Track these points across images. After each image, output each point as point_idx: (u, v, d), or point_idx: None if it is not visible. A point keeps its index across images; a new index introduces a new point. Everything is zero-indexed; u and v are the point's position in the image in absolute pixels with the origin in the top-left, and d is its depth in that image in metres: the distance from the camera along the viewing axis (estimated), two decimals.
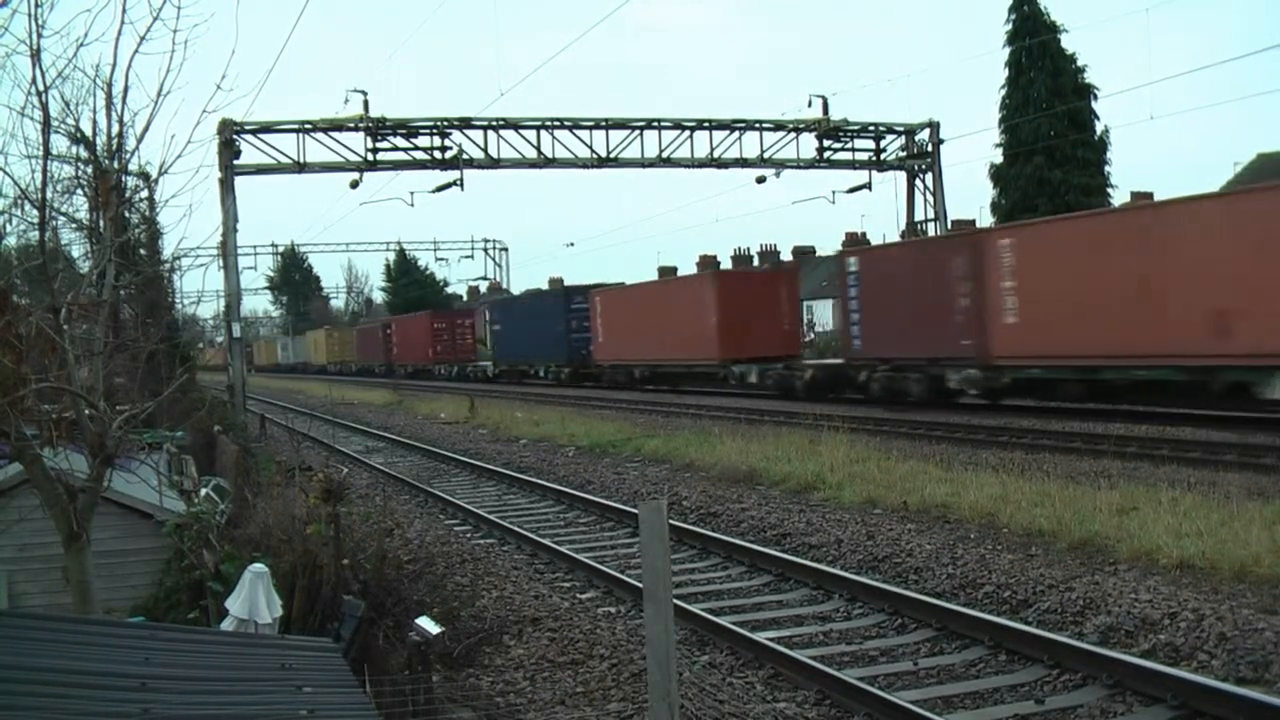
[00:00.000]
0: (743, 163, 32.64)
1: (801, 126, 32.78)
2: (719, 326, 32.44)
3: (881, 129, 33.88)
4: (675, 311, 35.33)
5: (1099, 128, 37.06)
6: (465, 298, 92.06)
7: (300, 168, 29.52)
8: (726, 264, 68.64)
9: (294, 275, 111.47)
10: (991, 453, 16.59)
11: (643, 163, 32.16)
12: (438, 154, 30.46)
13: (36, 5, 6.15)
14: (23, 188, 7.68)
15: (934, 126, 33.84)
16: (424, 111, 39.21)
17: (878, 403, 25.25)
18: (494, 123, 30.73)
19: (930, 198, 33.95)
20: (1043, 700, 7.00)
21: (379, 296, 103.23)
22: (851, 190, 35.05)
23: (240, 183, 28.59)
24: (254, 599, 7.32)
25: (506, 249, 74.99)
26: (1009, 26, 37.34)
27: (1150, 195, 49.20)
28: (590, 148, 31.46)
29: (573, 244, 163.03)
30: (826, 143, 33.32)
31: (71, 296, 7.66)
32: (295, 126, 29.48)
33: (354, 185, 30.64)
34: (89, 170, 9.73)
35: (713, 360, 32.94)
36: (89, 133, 8.00)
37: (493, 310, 58.16)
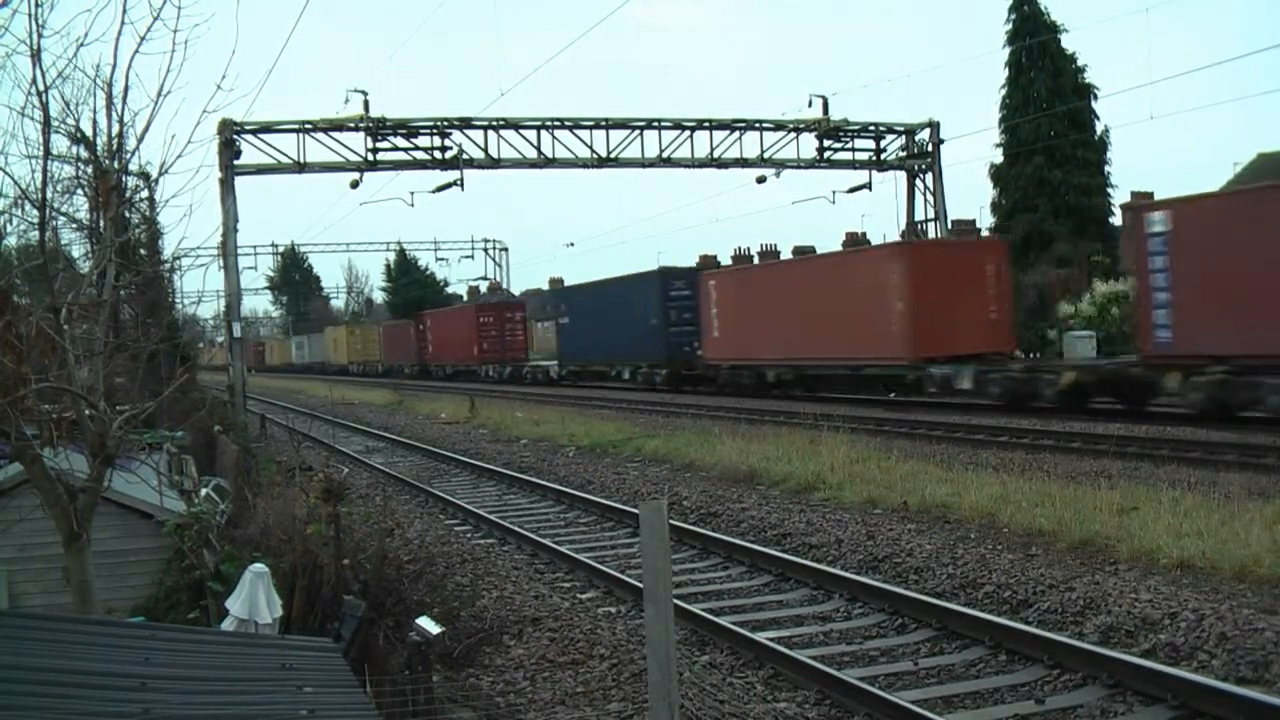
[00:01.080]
0: (743, 163, 32.62)
1: (801, 126, 32.77)
2: (910, 314, 25.07)
3: (881, 129, 33.86)
4: (836, 296, 27.75)
5: (1099, 128, 37.08)
6: (465, 297, 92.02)
7: (300, 168, 29.50)
8: (727, 263, 68.07)
9: (294, 275, 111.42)
10: (992, 453, 16.59)
11: (643, 163, 32.13)
12: (438, 154, 30.44)
13: (36, 5, 6.15)
14: (23, 188, 7.68)
15: (934, 126, 33.83)
16: (424, 111, 38.91)
17: (1193, 420, 18.67)
18: (494, 123, 30.72)
19: (930, 198, 33.93)
20: (1043, 700, 7.00)
21: (379, 296, 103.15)
22: (851, 190, 35.03)
23: (240, 183, 28.56)
24: (254, 599, 7.32)
25: (506, 249, 74.75)
26: (1009, 26, 37.35)
27: (1150, 195, 49.15)
28: (590, 148, 31.45)
29: (573, 244, 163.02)
30: (826, 143, 33.29)
31: (71, 296, 7.67)
32: (295, 126, 29.46)
33: (354, 185, 30.63)
34: (89, 170, 9.73)
35: (900, 360, 25.73)
36: (89, 133, 8.00)
37: (559, 300, 50.20)
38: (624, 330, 38.84)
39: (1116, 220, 37.91)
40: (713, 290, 33.96)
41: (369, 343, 78.58)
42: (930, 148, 33.79)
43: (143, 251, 15.90)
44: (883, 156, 34.18)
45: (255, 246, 73.17)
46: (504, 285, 76.39)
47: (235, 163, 28.28)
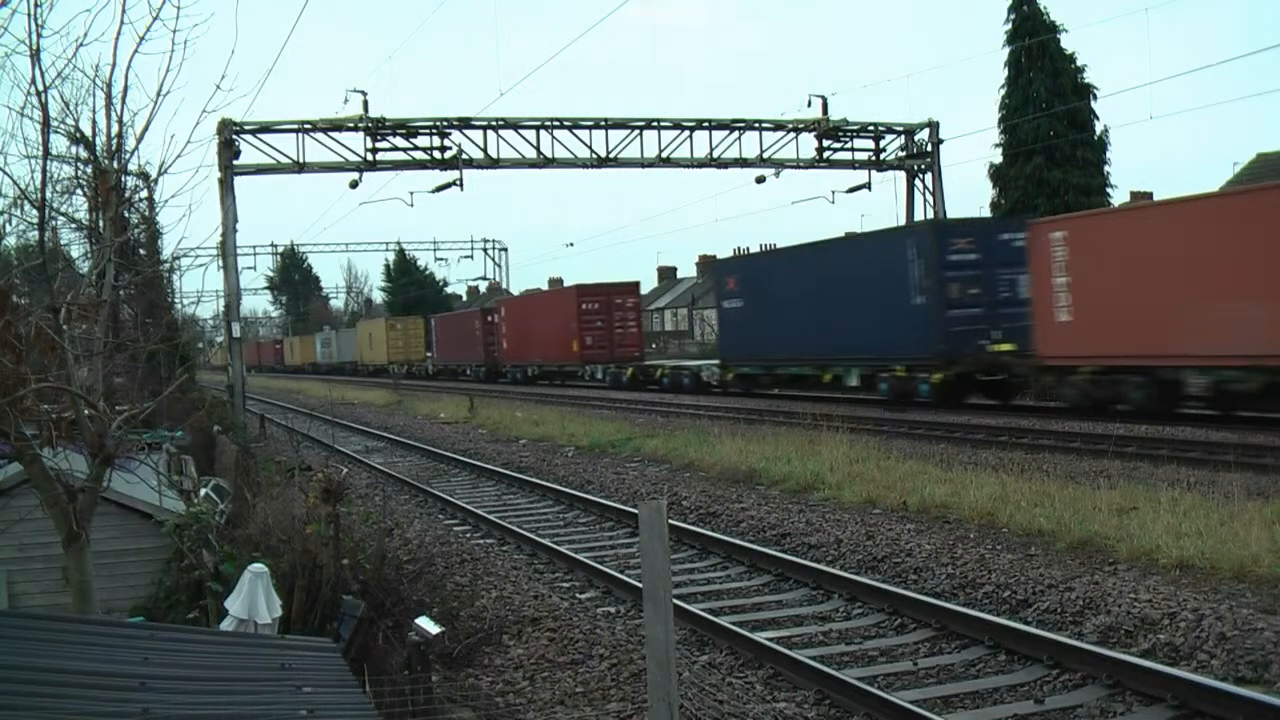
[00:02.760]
0: (742, 163, 32.63)
1: (801, 126, 32.77)
2: None
3: (881, 129, 33.87)
4: None
5: (1099, 128, 36.98)
6: (465, 298, 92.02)
7: (300, 168, 29.51)
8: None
9: (294, 275, 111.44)
10: (991, 453, 16.59)
11: (642, 163, 32.14)
12: (437, 154, 30.44)
13: (36, 5, 6.14)
14: (22, 188, 7.68)
15: (933, 126, 33.84)
16: (424, 111, 38.84)
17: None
18: (494, 123, 30.72)
19: (930, 198, 33.95)
20: (1042, 700, 7.00)
21: (379, 296, 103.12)
22: (851, 190, 35.03)
23: (240, 183, 28.61)
24: (253, 599, 7.32)
25: (506, 249, 74.67)
26: (1009, 26, 37.28)
27: (1150, 195, 49.29)
28: (590, 148, 31.45)
29: (572, 244, 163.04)
30: (826, 143, 33.30)
31: (71, 296, 7.65)
32: (295, 126, 29.46)
33: (354, 185, 30.64)
34: (89, 170, 9.74)
35: None
36: (89, 133, 8.00)
37: (723, 274, 34.99)
38: (852, 314, 26.48)
39: None
40: (1062, 246, 21.17)
41: (413, 339, 68.25)
42: (930, 148, 33.81)
43: (142, 251, 15.91)
44: (882, 156, 34.19)
45: (255, 246, 72.96)
46: (504, 285, 76.39)
47: (235, 163, 28.31)
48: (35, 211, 7.13)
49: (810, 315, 28.55)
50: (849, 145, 33.89)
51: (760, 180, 33.14)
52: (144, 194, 11.57)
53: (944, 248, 24.50)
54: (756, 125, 32.70)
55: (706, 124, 32.23)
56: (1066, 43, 36.56)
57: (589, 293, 44.36)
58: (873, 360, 26.29)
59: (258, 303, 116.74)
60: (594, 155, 31.48)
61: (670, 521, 7.17)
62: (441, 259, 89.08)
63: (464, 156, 30.52)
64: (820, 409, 20.85)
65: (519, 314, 51.87)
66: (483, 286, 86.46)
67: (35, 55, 6.17)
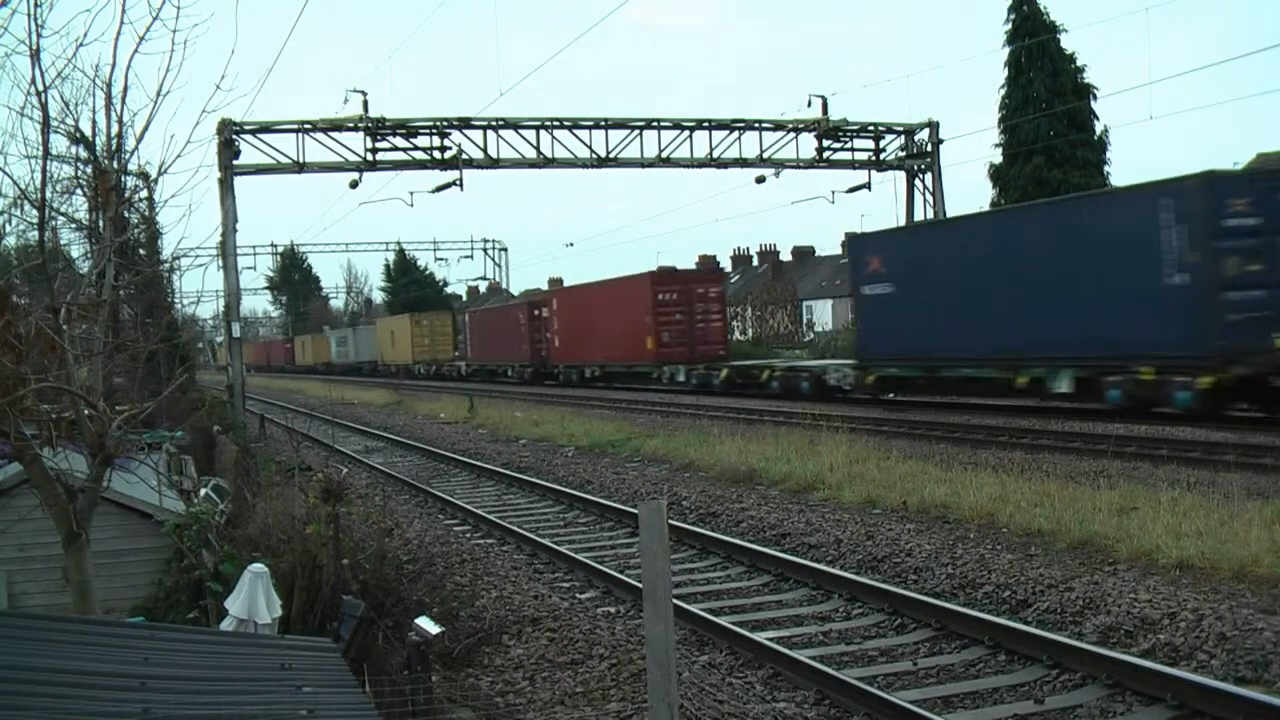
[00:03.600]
0: (742, 163, 32.65)
1: (801, 126, 32.79)
2: None
3: (881, 129, 33.89)
4: None
5: (1099, 128, 37.07)
6: (465, 298, 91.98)
7: (300, 168, 29.52)
8: (726, 265, 67.18)
9: (293, 275, 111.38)
10: (991, 453, 16.59)
11: (642, 163, 32.16)
12: (437, 154, 30.46)
13: (36, 5, 6.14)
14: (22, 188, 7.69)
15: (933, 126, 33.86)
16: (424, 111, 38.59)
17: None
18: (494, 123, 30.73)
19: (930, 198, 33.97)
20: (1042, 700, 7.00)
21: (378, 296, 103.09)
22: (851, 190, 35.07)
23: (240, 183, 28.65)
24: (253, 599, 7.31)
25: (506, 249, 74.66)
26: (1009, 26, 37.35)
27: None
28: (590, 148, 31.47)
29: (572, 244, 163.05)
30: (826, 143, 33.33)
31: (71, 296, 7.66)
32: (295, 126, 29.48)
33: (353, 185, 30.67)
34: (88, 170, 9.73)
35: None
36: (88, 133, 7.99)
37: (866, 252, 26.89)
38: (1066, 299, 20.49)
39: None
40: None
41: (440, 336, 62.68)
42: (929, 148, 33.83)
43: (142, 251, 15.90)
44: (882, 156, 34.21)
45: (254, 246, 72.70)
46: (503, 285, 76.42)
47: (234, 163, 28.34)
48: (35, 211, 7.14)
49: (998, 301, 21.97)
50: (849, 145, 33.92)
51: (760, 180, 33.17)
52: (144, 194, 11.56)
53: (1218, 209, 18.17)
54: (756, 125, 32.71)
55: (706, 124, 32.24)
56: (1066, 43, 36.68)
57: (665, 281, 37.88)
58: (1099, 360, 20.00)
59: (258, 303, 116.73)
60: (594, 155, 31.49)
61: (670, 521, 7.17)
62: (441, 259, 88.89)
63: (464, 156, 30.53)
64: (821, 409, 20.85)
65: (575, 307, 43.91)
66: (483, 286, 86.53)
67: (35, 55, 6.17)
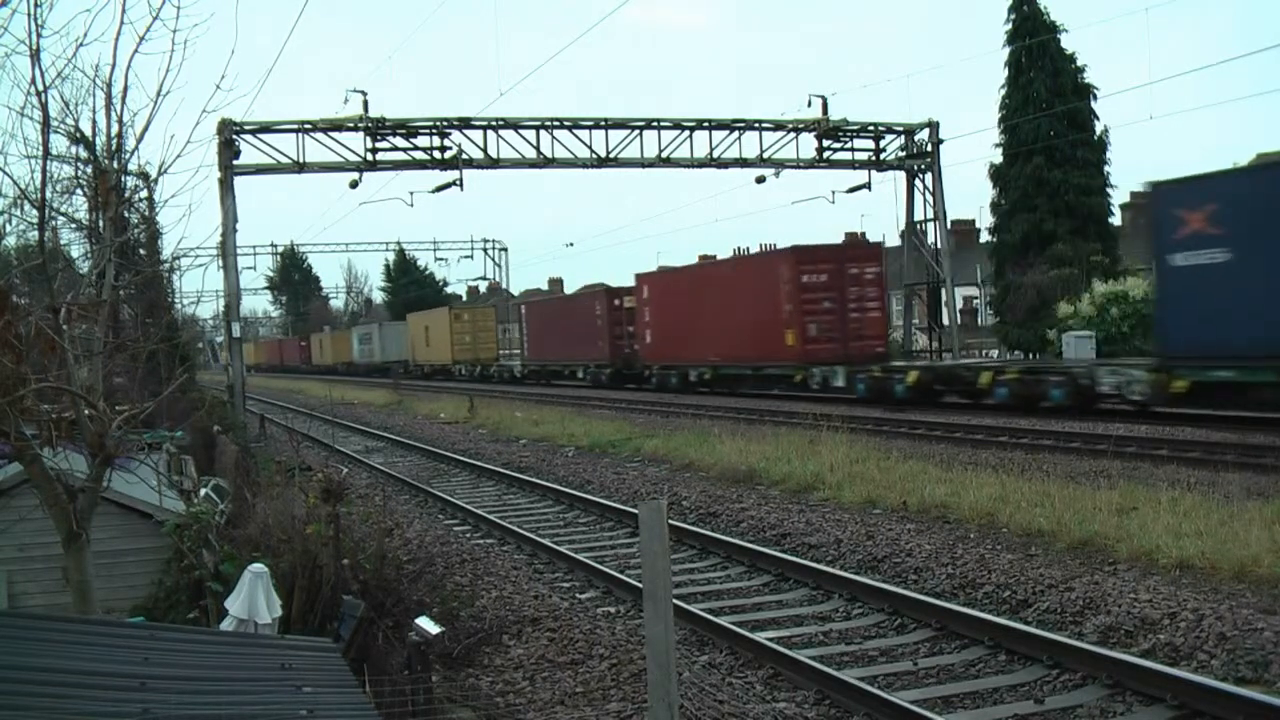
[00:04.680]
0: (742, 163, 32.66)
1: (801, 126, 32.79)
2: None
3: (881, 129, 33.90)
4: None
5: (1099, 128, 37.01)
6: (465, 298, 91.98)
7: (300, 168, 29.53)
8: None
9: (294, 275, 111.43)
10: (991, 453, 16.59)
11: (642, 163, 32.17)
12: (437, 154, 30.46)
13: (36, 5, 6.14)
14: (22, 188, 7.68)
15: (933, 126, 33.87)
16: (424, 111, 38.25)
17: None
18: (494, 123, 30.74)
19: (930, 198, 33.98)
20: (1042, 700, 7.00)
21: (378, 296, 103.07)
22: (851, 190, 35.09)
23: (240, 183, 28.66)
24: (253, 599, 7.31)
25: (506, 249, 74.45)
26: (1009, 26, 37.30)
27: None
28: (590, 148, 31.47)
29: (572, 244, 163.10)
30: (826, 143, 33.34)
31: (71, 296, 7.67)
32: (295, 126, 29.49)
33: (354, 185, 30.68)
34: (89, 170, 9.72)
35: None
36: (89, 133, 7.99)
37: (1189, 204, 18.44)
38: None
39: (1116, 220, 37.90)
40: None
41: (483, 332, 56.19)
42: (929, 148, 33.85)
43: (142, 251, 15.89)
44: (882, 156, 34.23)
45: (255, 246, 72.42)
46: (504, 285, 76.39)
47: (235, 163, 28.35)
48: (35, 211, 7.13)
49: None
50: (849, 145, 33.94)
51: (760, 180, 33.18)
52: (144, 194, 11.55)
53: None
54: (756, 125, 32.72)
55: (706, 124, 32.25)
56: (1066, 43, 36.61)
57: (812, 258, 29.42)
58: None
59: (258, 303, 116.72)
60: (594, 155, 31.50)
61: (670, 521, 7.18)
62: (441, 259, 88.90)
63: (464, 156, 30.54)
64: (821, 409, 20.85)
65: (676, 294, 35.86)
66: (483, 286, 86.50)
67: (35, 55, 6.17)
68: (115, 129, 7.24)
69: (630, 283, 40.13)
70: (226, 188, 27.99)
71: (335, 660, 5.11)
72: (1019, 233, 35.45)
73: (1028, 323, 33.82)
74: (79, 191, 12.19)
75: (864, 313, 29.53)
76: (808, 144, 33.33)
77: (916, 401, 25.03)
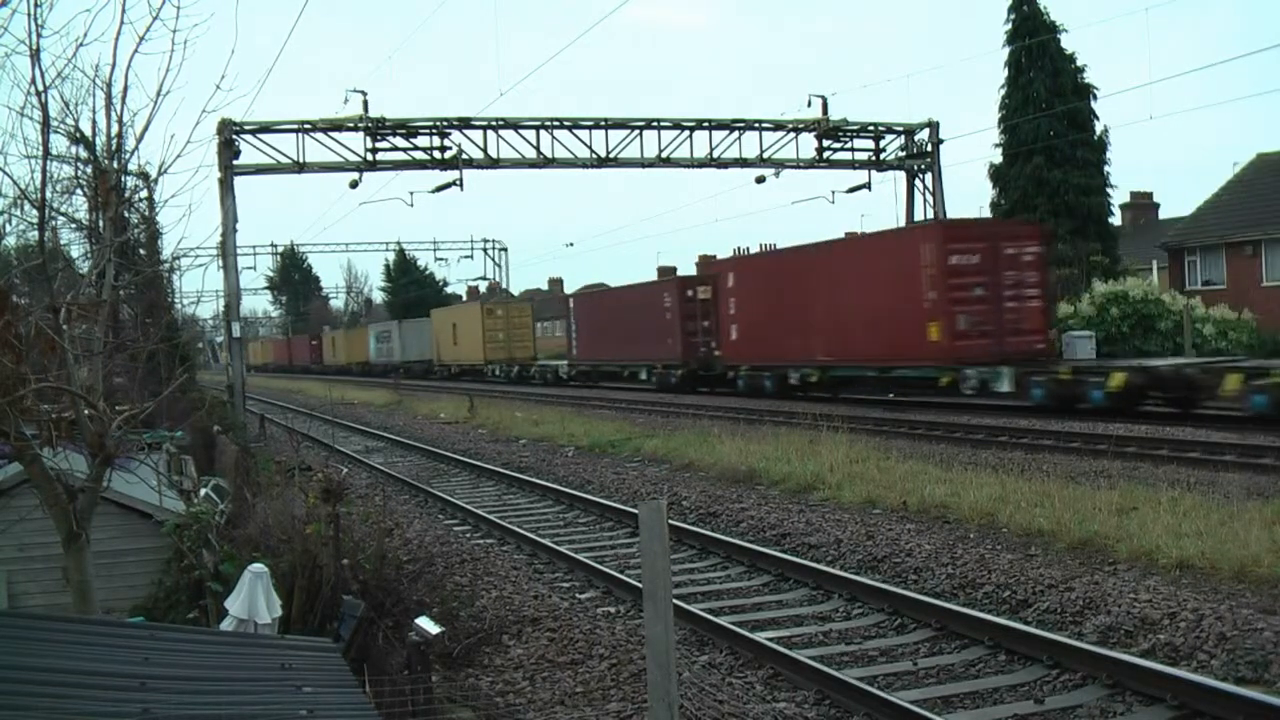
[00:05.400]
0: (742, 163, 32.64)
1: (801, 126, 32.78)
2: None
3: (881, 129, 33.88)
4: None
5: (1099, 128, 37.02)
6: (465, 298, 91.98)
7: (300, 168, 29.52)
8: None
9: (294, 275, 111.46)
10: (991, 453, 16.59)
11: (642, 163, 32.15)
12: (437, 154, 30.45)
13: (36, 5, 6.15)
14: (22, 188, 7.69)
15: (933, 126, 33.85)
16: (423, 111, 38.09)
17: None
18: (494, 123, 30.73)
19: (930, 198, 33.96)
20: (1042, 700, 7.00)
21: (378, 296, 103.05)
22: (851, 190, 35.04)
23: (240, 183, 28.63)
24: (253, 599, 7.32)
25: (506, 249, 74.31)
26: (1009, 26, 37.30)
27: (1149, 195, 49.32)
28: (590, 148, 31.46)
29: (572, 244, 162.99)
30: (826, 143, 33.32)
31: (71, 296, 7.65)
32: (295, 126, 29.47)
33: (354, 185, 30.66)
34: (89, 170, 9.73)
35: None
36: (88, 133, 8.00)
37: None
38: None
39: (1116, 220, 37.91)
40: None
41: (519, 330, 51.96)
42: (929, 148, 33.83)
43: (142, 251, 15.90)
44: (882, 156, 34.21)
45: (255, 246, 72.15)
46: (504, 285, 76.36)
47: (234, 163, 28.33)
48: (35, 211, 7.14)
49: None
50: (849, 145, 33.91)
51: (760, 180, 33.16)
52: (144, 194, 11.57)
53: None
54: (756, 125, 32.71)
55: (706, 124, 32.24)
56: (1066, 43, 36.60)
57: (963, 234, 24.78)
58: None
59: (258, 303, 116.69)
60: (594, 155, 31.49)
61: (670, 521, 7.18)
62: (441, 259, 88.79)
63: (464, 156, 30.53)
64: (820, 409, 20.85)
65: (771, 281, 30.61)
66: (483, 286, 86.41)
67: (35, 55, 6.18)
68: (115, 129, 7.26)
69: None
70: (226, 188, 27.98)
71: (335, 660, 5.11)
72: None
73: None
74: (79, 191, 12.21)
75: (1022, 302, 24.22)
76: (808, 144, 33.33)
77: (1116, 411, 20.36)
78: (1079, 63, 36.71)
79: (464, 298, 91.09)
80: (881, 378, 26.61)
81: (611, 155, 31.62)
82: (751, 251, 38.12)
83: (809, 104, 32.59)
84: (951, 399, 24.47)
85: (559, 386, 44.85)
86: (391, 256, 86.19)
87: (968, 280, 23.87)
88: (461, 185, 30.76)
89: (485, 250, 73.55)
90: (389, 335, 68.55)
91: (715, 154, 32.32)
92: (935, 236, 24.87)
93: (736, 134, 32.39)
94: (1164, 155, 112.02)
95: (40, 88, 6.32)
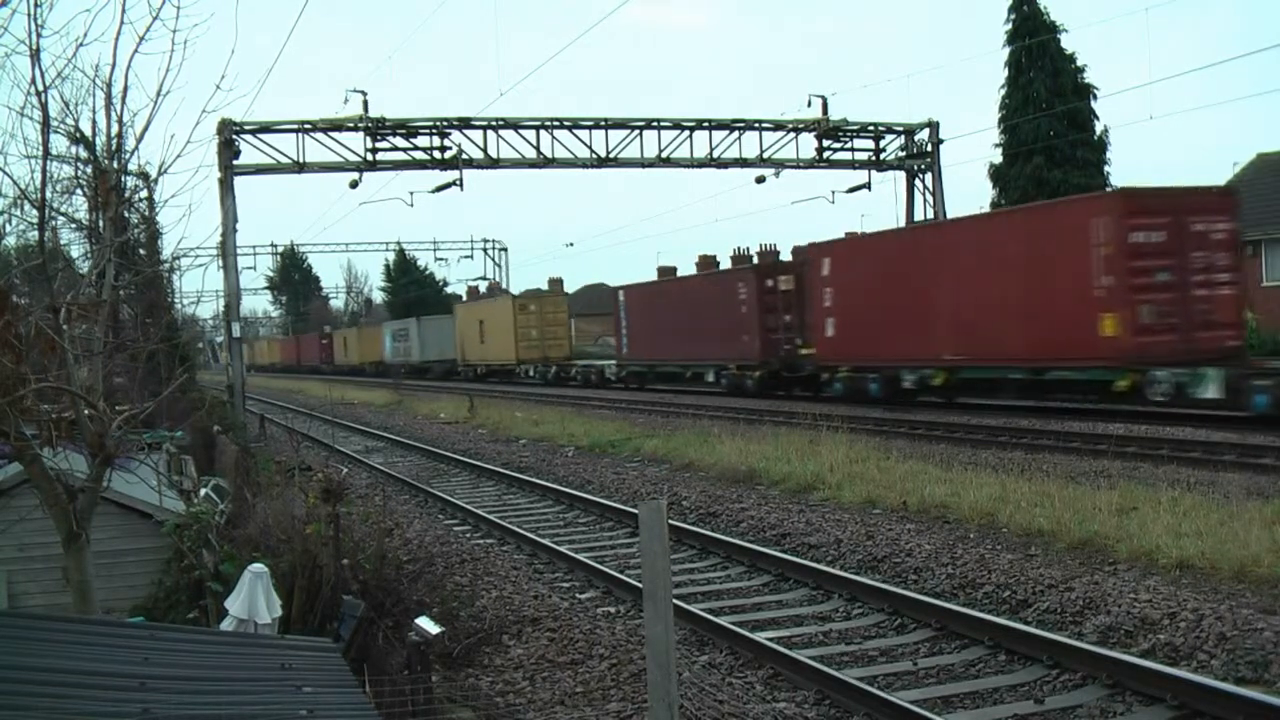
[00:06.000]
0: (742, 163, 32.64)
1: (801, 126, 32.78)
2: None
3: (881, 129, 33.88)
4: None
5: (1099, 128, 37.08)
6: (465, 298, 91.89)
7: (300, 168, 29.52)
8: (726, 264, 66.18)
9: (294, 275, 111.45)
10: (991, 453, 16.59)
11: (642, 163, 32.15)
12: (437, 154, 30.45)
13: (36, 5, 6.15)
14: (22, 188, 7.70)
15: (933, 126, 33.85)
16: (423, 111, 37.95)
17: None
18: (494, 123, 30.73)
19: (930, 198, 33.96)
20: (1042, 700, 7.00)
21: (378, 297, 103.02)
22: (851, 190, 35.05)
23: (240, 183, 28.62)
24: (253, 599, 7.32)
25: (506, 249, 74.38)
26: (1009, 26, 37.35)
27: None
28: (590, 148, 31.46)
29: (572, 244, 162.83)
30: (826, 143, 33.32)
31: (71, 296, 7.66)
32: (295, 126, 29.47)
33: (353, 185, 30.66)
34: (89, 170, 9.74)
35: None
36: (89, 133, 8.01)
37: None
38: None
39: None
40: None
41: (554, 327, 47.88)
42: (930, 148, 33.83)
43: (142, 251, 15.90)
44: (882, 156, 34.21)
45: (255, 246, 72.13)
46: (504, 285, 76.37)
47: (234, 163, 28.33)
48: (35, 211, 7.15)
49: None
50: (849, 145, 33.91)
51: (760, 180, 33.16)
52: (144, 194, 11.57)
53: None
54: (756, 125, 32.71)
55: (706, 124, 32.24)
56: (1066, 43, 36.69)
57: (1144, 206, 20.15)
58: None
59: (258, 303, 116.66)
60: (594, 155, 31.49)
61: (670, 521, 7.18)
62: (441, 259, 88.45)
63: (464, 156, 30.53)
64: (820, 409, 20.83)
65: (880, 265, 26.16)
66: (483, 286, 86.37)
67: (35, 55, 6.18)
68: (115, 129, 7.26)
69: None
70: (226, 188, 27.98)
71: (335, 660, 5.11)
72: None
73: None
74: (79, 191, 12.22)
75: (1213, 289, 20.14)
76: (808, 144, 33.33)
77: None
78: (1079, 63, 36.80)
79: (464, 297, 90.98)
80: (1030, 381, 22.21)
81: (611, 155, 31.62)
82: (844, 236, 32.89)
83: (809, 104, 32.63)
84: (1125, 405, 20.17)
85: (600, 389, 40.74)
86: (391, 256, 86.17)
87: (1152, 263, 19.69)
88: (461, 185, 30.77)
89: (485, 250, 73.62)
90: (406, 334, 63.92)
91: (715, 154, 32.31)
92: (1113, 208, 20.20)
93: (736, 134, 32.39)
94: (1164, 155, 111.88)
95: (40, 88, 6.32)
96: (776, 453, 17.11)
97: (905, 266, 25.07)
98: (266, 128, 28.92)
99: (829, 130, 32.93)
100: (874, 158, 34.23)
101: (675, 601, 6.00)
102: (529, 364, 47.57)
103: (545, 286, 72.64)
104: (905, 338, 24.65)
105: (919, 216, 33.69)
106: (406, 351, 63.09)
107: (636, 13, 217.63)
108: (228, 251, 28.28)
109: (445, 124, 30.36)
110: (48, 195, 7.35)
